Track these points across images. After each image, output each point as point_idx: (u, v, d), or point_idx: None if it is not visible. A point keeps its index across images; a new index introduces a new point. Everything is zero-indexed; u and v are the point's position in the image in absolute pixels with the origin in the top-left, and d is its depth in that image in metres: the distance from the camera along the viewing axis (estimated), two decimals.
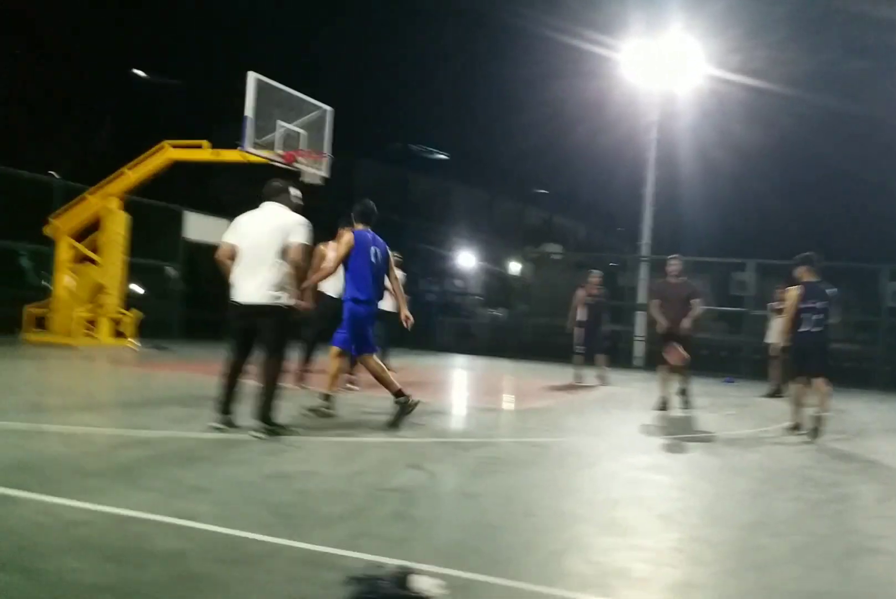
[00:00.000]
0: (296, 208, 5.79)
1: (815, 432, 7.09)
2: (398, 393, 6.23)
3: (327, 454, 5.08)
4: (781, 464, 5.95)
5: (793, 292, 7.48)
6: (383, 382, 6.33)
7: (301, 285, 5.67)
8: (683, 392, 8.98)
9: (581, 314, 11.83)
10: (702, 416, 8.93)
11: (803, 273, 7.56)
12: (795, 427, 7.48)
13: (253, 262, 5.48)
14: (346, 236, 6.58)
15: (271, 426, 5.41)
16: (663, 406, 8.72)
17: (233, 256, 5.58)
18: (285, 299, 5.49)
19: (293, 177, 12.09)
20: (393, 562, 2.81)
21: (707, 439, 7.03)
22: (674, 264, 9.11)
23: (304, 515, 3.55)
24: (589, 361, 11.93)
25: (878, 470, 5.93)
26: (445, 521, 3.69)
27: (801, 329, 7.35)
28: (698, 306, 8.88)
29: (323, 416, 6.41)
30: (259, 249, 5.48)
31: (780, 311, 11.20)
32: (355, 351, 6.60)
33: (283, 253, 5.43)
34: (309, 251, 5.65)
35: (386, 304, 11.02)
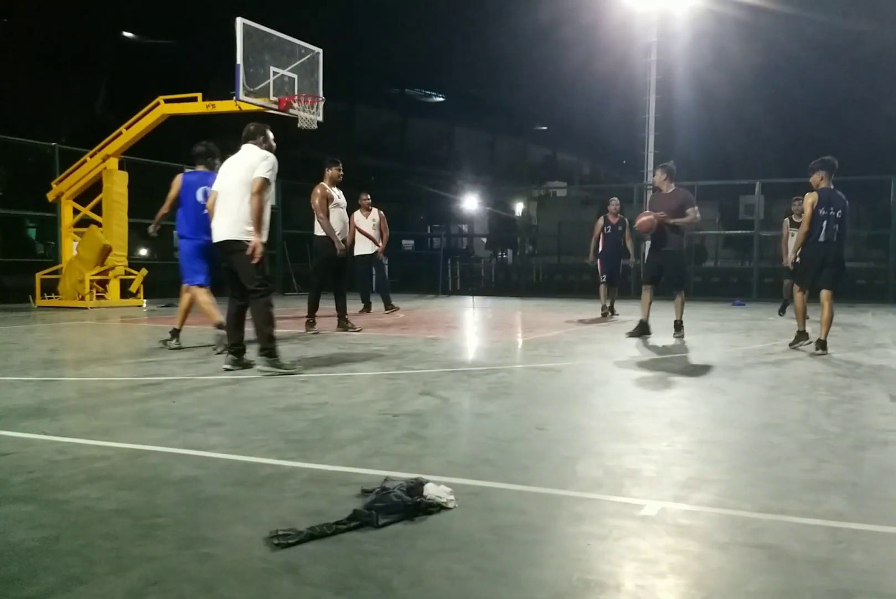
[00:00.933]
0: (270, 148, 5.77)
1: (823, 344, 7.02)
2: (219, 325, 6.54)
3: (339, 386, 5.12)
4: (792, 372, 5.97)
5: (810, 198, 7.14)
6: (206, 314, 6.83)
7: (258, 219, 5.52)
8: (677, 325, 8.50)
9: (602, 244, 11.42)
10: (712, 335, 8.94)
11: (821, 179, 7.19)
12: (801, 337, 7.41)
13: (225, 201, 5.58)
14: (176, 179, 7.07)
15: (274, 361, 5.50)
16: (641, 331, 8.36)
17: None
18: (262, 234, 5.55)
19: (291, 122, 11.97)
20: (404, 476, 2.85)
21: (717, 354, 7.04)
22: (659, 174, 8.55)
23: (316, 440, 3.59)
24: (613, 291, 11.67)
25: (890, 373, 5.93)
26: (457, 438, 3.72)
27: (820, 240, 7.04)
28: (694, 214, 8.27)
29: (172, 348, 6.91)
30: (230, 188, 5.58)
31: (798, 224, 10.90)
32: (185, 280, 7.11)
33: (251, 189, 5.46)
34: (261, 186, 5.47)
35: (364, 247, 11.29)
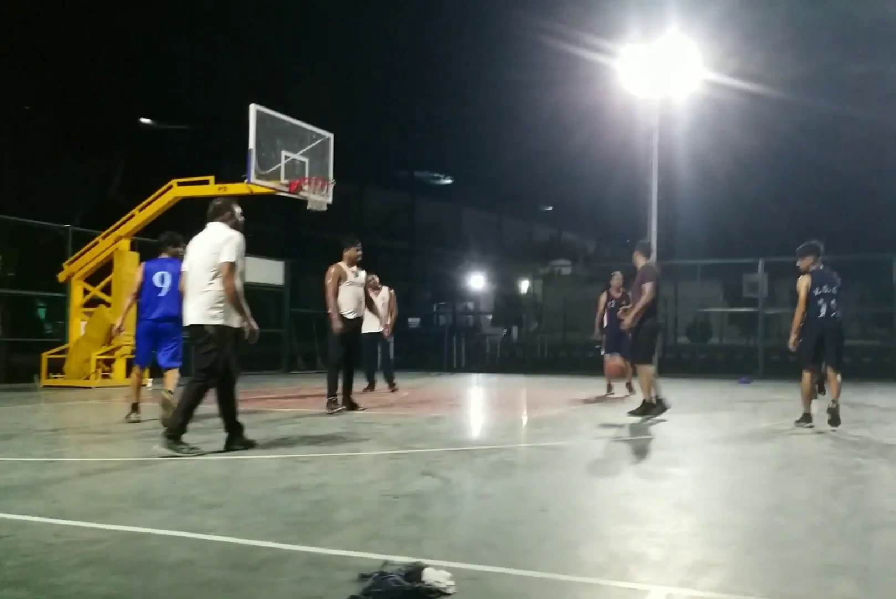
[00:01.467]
0: (236, 225, 5.63)
1: (835, 420, 7.02)
2: (133, 406, 7.60)
3: (340, 467, 5.07)
4: (799, 452, 5.89)
5: (803, 281, 7.36)
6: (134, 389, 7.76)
7: (233, 304, 5.40)
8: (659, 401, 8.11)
9: (605, 319, 11.37)
10: (717, 413, 8.86)
11: (810, 262, 7.46)
12: (806, 418, 7.36)
13: (192, 284, 5.49)
14: (138, 268, 7.88)
15: (173, 444, 5.34)
16: (643, 411, 8.01)
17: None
18: (219, 319, 5.37)
19: (300, 205, 12.28)
20: (403, 560, 2.80)
21: (723, 433, 6.96)
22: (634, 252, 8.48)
23: (315, 522, 3.54)
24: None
25: None
26: (458, 521, 3.66)
27: (820, 316, 7.24)
28: (647, 290, 8.00)
29: (131, 421, 7.50)
30: (195, 270, 5.48)
31: None
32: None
33: (216, 273, 5.36)
34: (230, 269, 5.36)
35: (371, 325, 11.19)
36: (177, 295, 6.62)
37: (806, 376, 7.47)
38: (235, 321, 5.47)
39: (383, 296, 11.54)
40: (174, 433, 5.40)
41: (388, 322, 11.42)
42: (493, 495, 4.21)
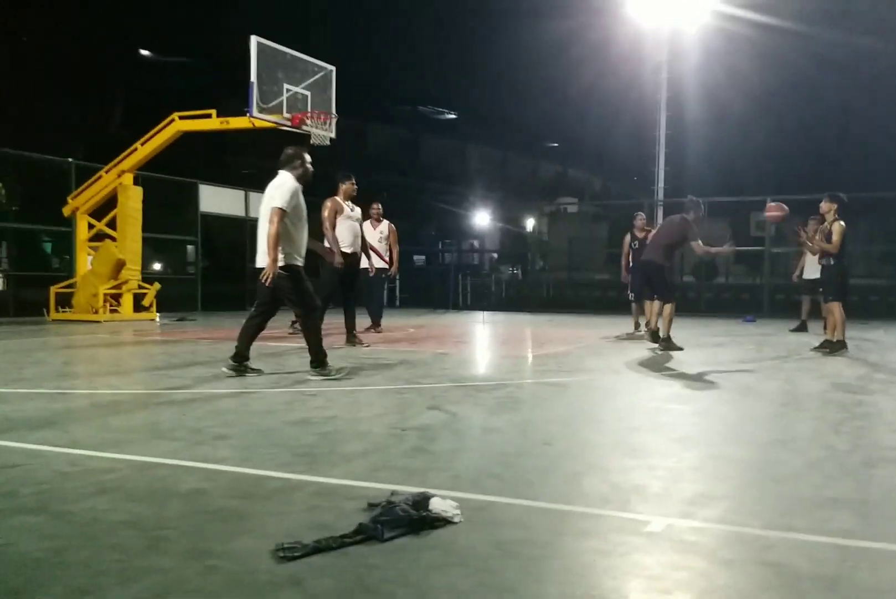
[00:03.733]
0: (304, 174, 5.92)
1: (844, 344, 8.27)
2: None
3: (348, 400, 5.13)
4: (803, 388, 5.94)
5: (840, 227, 8.11)
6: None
7: (273, 246, 5.70)
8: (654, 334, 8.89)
9: (630, 260, 10.99)
10: (722, 351, 8.91)
11: (836, 209, 8.20)
12: (839, 346, 8.26)
13: (259, 228, 5.87)
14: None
15: (321, 371, 6.02)
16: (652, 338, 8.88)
17: None
18: (281, 259, 5.74)
19: (303, 139, 12.07)
20: (411, 490, 2.85)
21: (727, 369, 7.01)
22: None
23: (324, 454, 3.60)
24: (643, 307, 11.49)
25: None
26: (464, 453, 3.72)
27: (845, 261, 8.29)
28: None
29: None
30: (261, 215, 5.85)
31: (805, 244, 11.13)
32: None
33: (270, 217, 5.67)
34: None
35: (377, 261, 10.71)
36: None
37: (837, 306, 8.25)
38: (299, 259, 5.88)
39: (382, 230, 10.87)
40: (320, 363, 6.01)
41: (391, 260, 10.95)
42: (499, 428, 4.27)
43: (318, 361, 6.03)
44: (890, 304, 17.23)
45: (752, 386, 6.04)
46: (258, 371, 6.17)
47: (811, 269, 10.89)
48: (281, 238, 5.70)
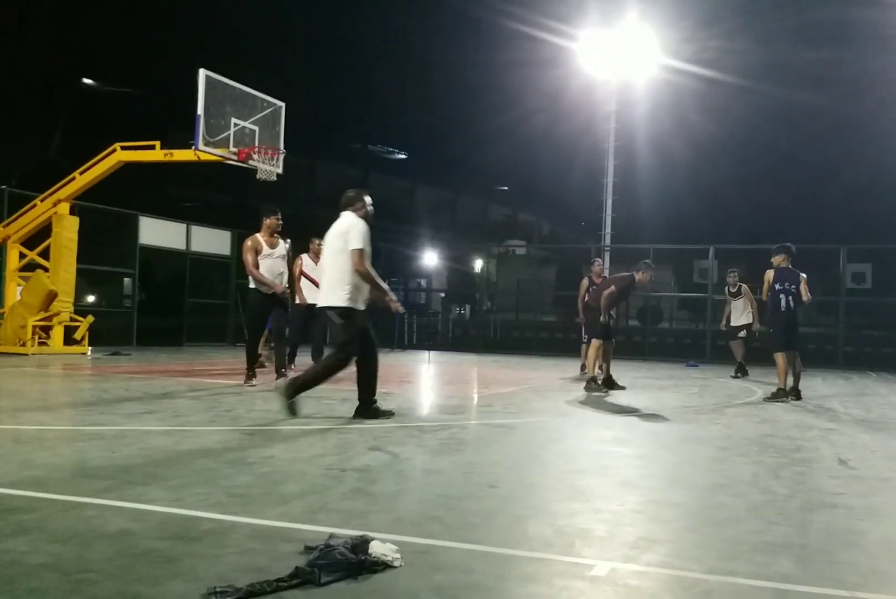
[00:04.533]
0: (366, 215, 6.07)
1: (798, 394, 8.53)
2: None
3: (287, 440, 5.00)
4: (743, 433, 6.01)
5: (768, 275, 8.62)
6: None
7: (370, 283, 5.94)
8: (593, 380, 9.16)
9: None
10: (665, 395, 9.01)
11: (782, 260, 8.65)
12: (780, 395, 8.46)
13: (325, 268, 6.05)
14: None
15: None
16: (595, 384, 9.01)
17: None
18: (348, 301, 5.83)
19: (250, 174, 12.01)
20: (350, 533, 2.77)
21: (669, 414, 7.07)
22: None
23: (260, 494, 3.48)
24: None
25: (839, 437, 6.01)
26: (406, 495, 3.64)
27: (782, 308, 8.47)
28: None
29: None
30: (327, 256, 5.99)
31: (734, 294, 11.83)
32: None
33: (344, 258, 5.82)
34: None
35: (312, 295, 10.35)
36: None
37: (781, 357, 8.56)
38: (361, 304, 5.95)
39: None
40: (295, 390, 5.80)
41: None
42: (442, 470, 4.20)
43: (295, 390, 5.78)
44: (826, 352, 17.74)
45: (693, 430, 6.09)
46: (389, 414, 6.14)
47: (736, 315, 12.24)
48: (353, 279, 5.84)
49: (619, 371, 9.25)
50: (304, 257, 10.73)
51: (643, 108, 20.13)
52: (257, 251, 8.27)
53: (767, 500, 3.72)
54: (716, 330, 17.78)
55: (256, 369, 8.55)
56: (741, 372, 12.22)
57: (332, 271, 5.91)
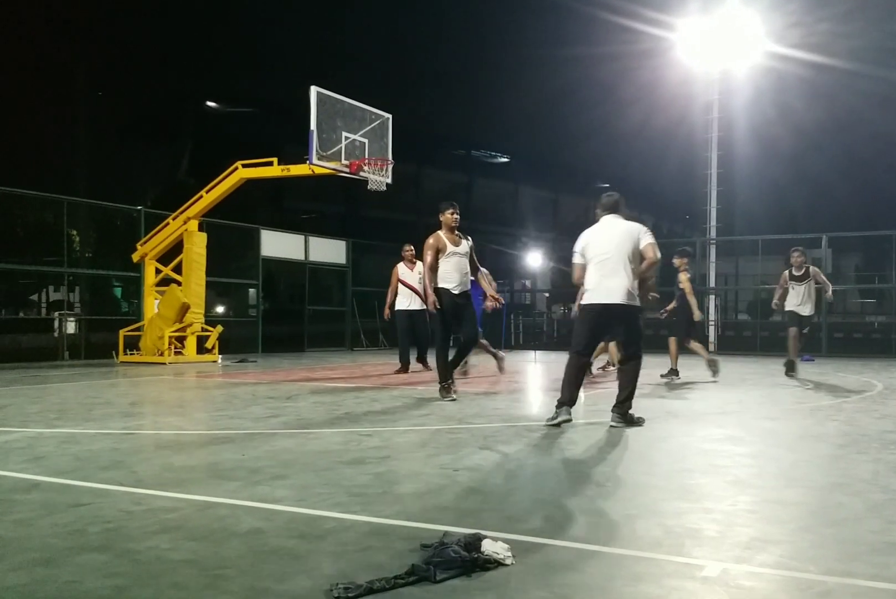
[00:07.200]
0: (626, 218, 6.28)
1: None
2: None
3: (402, 440, 5.20)
4: (862, 430, 5.78)
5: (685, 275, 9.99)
6: None
7: (650, 279, 6.35)
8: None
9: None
10: (778, 391, 8.72)
11: (685, 262, 10.22)
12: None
13: (608, 268, 5.99)
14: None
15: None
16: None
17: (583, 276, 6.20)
18: (636, 300, 6.03)
19: (361, 185, 12.43)
20: (463, 531, 2.89)
21: (783, 411, 6.86)
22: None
23: (378, 494, 3.66)
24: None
25: None
26: (516, 494, 3.74)
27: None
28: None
29: None
30: (612, 256, 6.00)
31: (798, 278, 11.29)
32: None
33: (633, 258, 5.98)
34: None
35: (404, 301, 10.93)
36: None
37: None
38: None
39: (419, 270, 10.52)
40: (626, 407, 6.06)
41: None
42: (551, 469, 4.28)
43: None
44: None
45: (809, 427, 5.90)
46: (641, 421, 6.11)
47: (799, 302, 11.08)
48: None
49: (730, 367, 9.02)
50: (400, 265, 11.10)
51: (745, 96, 19.44)
52: (439, 250, 7.67)
53: (888, 499, 3.60)
54: (832, 323, 17.00)
55: (455, 378, 8.02)
56: (791, 371, 10.81)
57: (628, 271, 5.97)
